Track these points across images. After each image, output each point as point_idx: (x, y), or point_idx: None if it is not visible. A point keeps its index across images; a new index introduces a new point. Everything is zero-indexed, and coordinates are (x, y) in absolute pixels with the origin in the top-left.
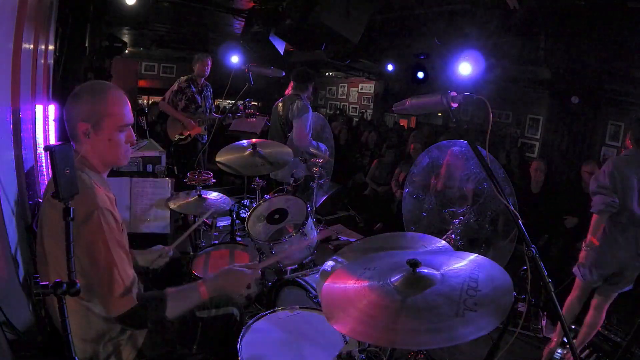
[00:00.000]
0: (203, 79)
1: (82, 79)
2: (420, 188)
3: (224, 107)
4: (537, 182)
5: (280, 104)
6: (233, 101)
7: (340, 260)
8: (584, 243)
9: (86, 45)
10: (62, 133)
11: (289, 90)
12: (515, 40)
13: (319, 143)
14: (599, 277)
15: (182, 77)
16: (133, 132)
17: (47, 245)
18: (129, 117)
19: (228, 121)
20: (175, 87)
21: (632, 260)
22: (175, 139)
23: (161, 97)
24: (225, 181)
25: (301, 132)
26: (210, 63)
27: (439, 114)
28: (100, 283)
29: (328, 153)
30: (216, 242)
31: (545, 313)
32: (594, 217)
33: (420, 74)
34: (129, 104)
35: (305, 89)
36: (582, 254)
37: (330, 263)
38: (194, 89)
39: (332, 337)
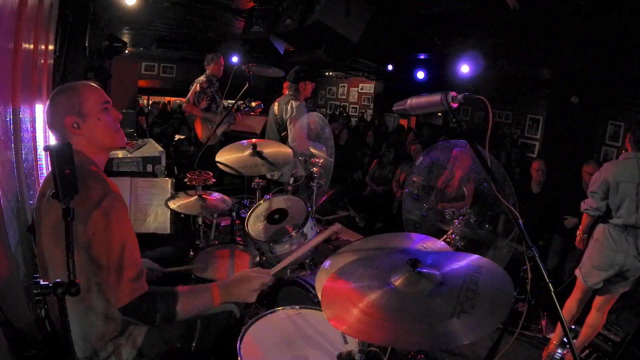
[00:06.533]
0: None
1: (82, 79)
2: (420, 188)
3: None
4: (538, 182)
5: (275, 104)
6: (233, 101)
7: (327, 265)
8: (578, 237)
9: (86, 45)
10: None
11: (284, 91)
12: (515, 40)
13: (316, 143)
14: (601, 280)
15: (200, 78)
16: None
17: (47, 245)
18: (106, 95)
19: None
20: (197, 87)
21: (633, 261)
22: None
23: (161, 97)
24: (225, 181)
25: (299, 135)
26: (223, 62)
27: (439, 114)
28: (110, 267)
29: (328, 152)
30: (216, 242)
31: (545, 313)
32: (584, 215)
33: (420, 74)
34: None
35: (300, 88)
36: (577, 239)
37: (327, 262)
38: (213, 89)
39: (332, 337)
